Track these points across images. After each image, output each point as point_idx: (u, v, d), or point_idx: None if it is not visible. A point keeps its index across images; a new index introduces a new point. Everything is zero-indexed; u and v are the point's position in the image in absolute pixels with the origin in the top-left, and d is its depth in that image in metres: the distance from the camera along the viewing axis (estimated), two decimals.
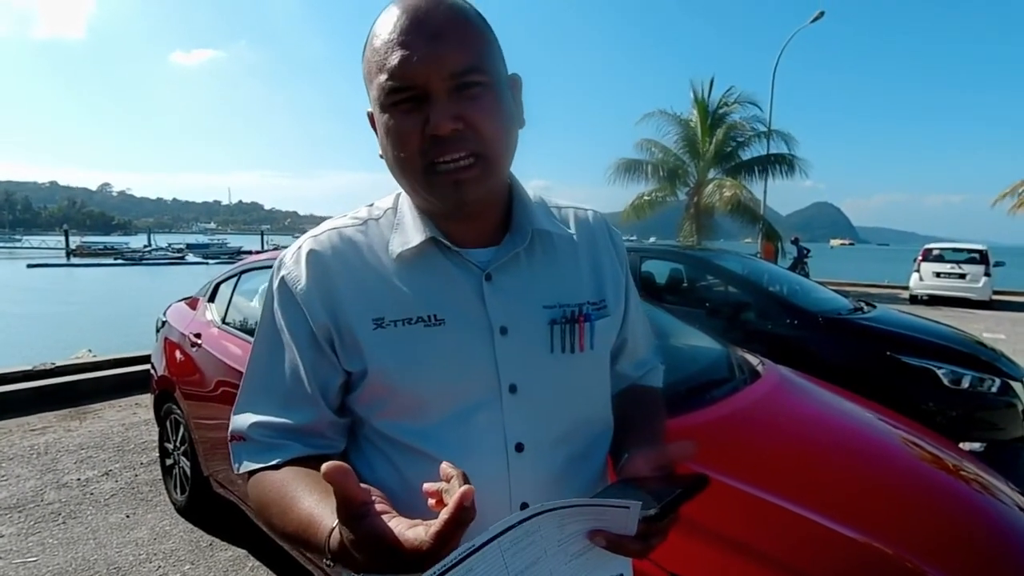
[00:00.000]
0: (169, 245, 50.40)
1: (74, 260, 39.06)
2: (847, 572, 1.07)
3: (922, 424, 1.95)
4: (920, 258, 13.15)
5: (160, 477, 3.15)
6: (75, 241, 47.42)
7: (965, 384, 3.06)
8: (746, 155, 15.91)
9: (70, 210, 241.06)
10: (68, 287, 23.90)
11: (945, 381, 3.07)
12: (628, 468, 0.62)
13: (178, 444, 2.81)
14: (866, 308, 3.97)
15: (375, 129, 0.64)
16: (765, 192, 17.32)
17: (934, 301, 12.81)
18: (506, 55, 0.65)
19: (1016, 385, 3.16)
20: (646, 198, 16.47)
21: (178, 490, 2.83)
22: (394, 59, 0.56)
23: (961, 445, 3.04)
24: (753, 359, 2.21)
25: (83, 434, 3.94)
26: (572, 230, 0.73)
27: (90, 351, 6.20)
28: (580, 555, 0.50)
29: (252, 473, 0.66)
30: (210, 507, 2.64)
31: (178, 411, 2.74)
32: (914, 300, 13.12)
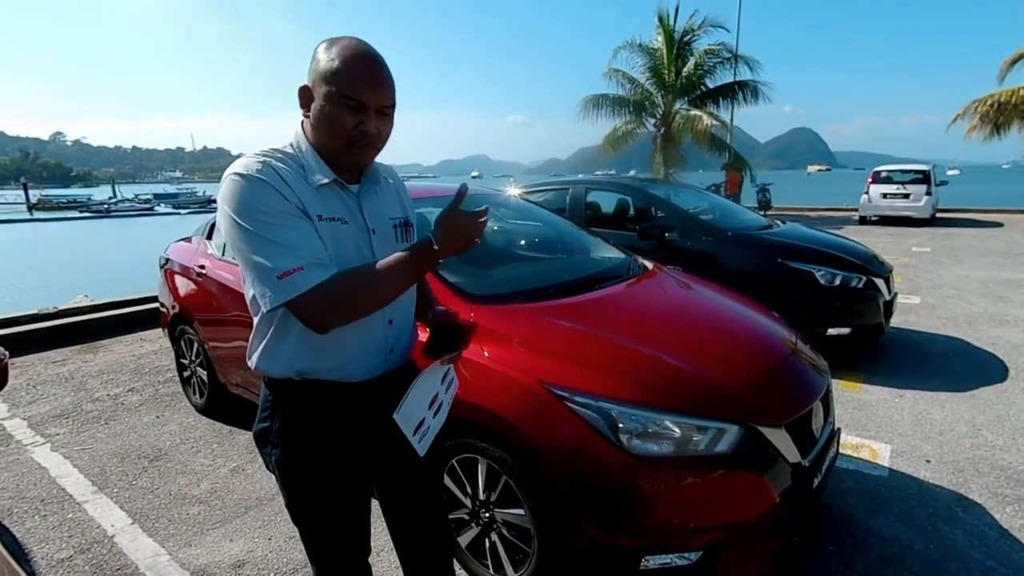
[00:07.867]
0: (136, 196, 48.93)
1: (37, 215, 37.89)
2: (655, 380, 1.72)
3: (773, 311, 2.60)
4: (870, 180, 13.49)
5: (178, 391, 3.76)
6: (34, 195, 45.62)
7: (837, 282, 3.76)
8: (712, 83, 15.97)
9: (24, 162, 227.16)
10: (36, 243, 23.56)
11: (821, 281, 3.77)
12: (436, 319, 1.27)
13: (193, 358, 3.39)
14: (776, 225, 4.61)
15: (303, 100, 1.06)
16: (732, 121, 17.50)
17: (883, 221, 13.38)
18: None
19: (879, 282, 3.88)
20: (619, 132, 16.64)
21: (197, 395, 3.45)
22: (357, 83, 1.01)
23: (830, 331, 3.80)
24: (649, 264, 2.82)
25: (100, 363, 4.50)
26: (392, 180, 1.27)
27: (87, 296, 6.64)
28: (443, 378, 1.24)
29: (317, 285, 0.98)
30: (227, 406, 3.27)
31: (191, 331, 3.30)
32: (863, 221, 13.58)
